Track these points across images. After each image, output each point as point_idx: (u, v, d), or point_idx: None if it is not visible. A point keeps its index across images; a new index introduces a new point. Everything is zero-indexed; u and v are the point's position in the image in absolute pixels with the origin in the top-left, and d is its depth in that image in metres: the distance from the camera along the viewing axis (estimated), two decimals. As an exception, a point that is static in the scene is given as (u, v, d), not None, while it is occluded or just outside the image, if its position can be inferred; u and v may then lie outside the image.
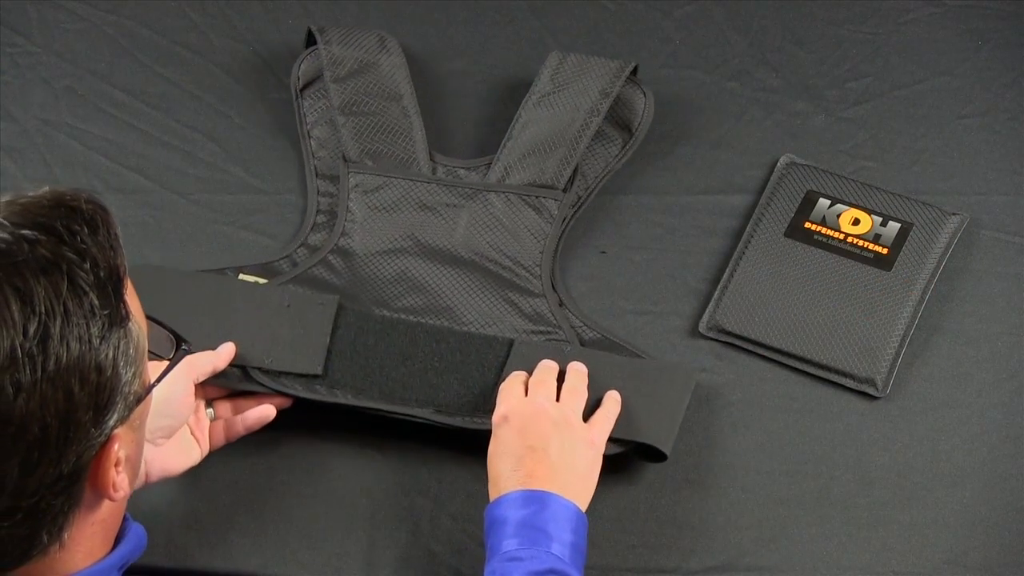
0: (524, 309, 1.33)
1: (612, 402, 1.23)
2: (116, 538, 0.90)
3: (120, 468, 0.82)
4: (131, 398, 0.81)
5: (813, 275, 1.35)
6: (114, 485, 0.82)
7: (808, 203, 1.39)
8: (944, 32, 1.54)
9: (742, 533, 1.23)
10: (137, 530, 0.91)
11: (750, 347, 1.32)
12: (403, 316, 1.32)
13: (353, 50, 1.47)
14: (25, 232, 0.76)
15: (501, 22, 1.57)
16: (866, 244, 1.36)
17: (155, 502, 1.22)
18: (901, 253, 1.35)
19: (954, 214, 1.38)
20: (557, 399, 1.21)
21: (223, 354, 1.23)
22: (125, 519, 0.91)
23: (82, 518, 0.83)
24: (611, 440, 1.22)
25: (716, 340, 1.33)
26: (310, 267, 1.34)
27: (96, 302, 0.77)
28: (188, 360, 1.17)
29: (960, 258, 1.37)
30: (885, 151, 1.46)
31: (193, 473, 1.20)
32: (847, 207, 1.38)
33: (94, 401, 0.77)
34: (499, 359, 1.28)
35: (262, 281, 1.33)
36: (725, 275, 1.36)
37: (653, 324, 1.35)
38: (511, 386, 1.21)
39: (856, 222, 1.38)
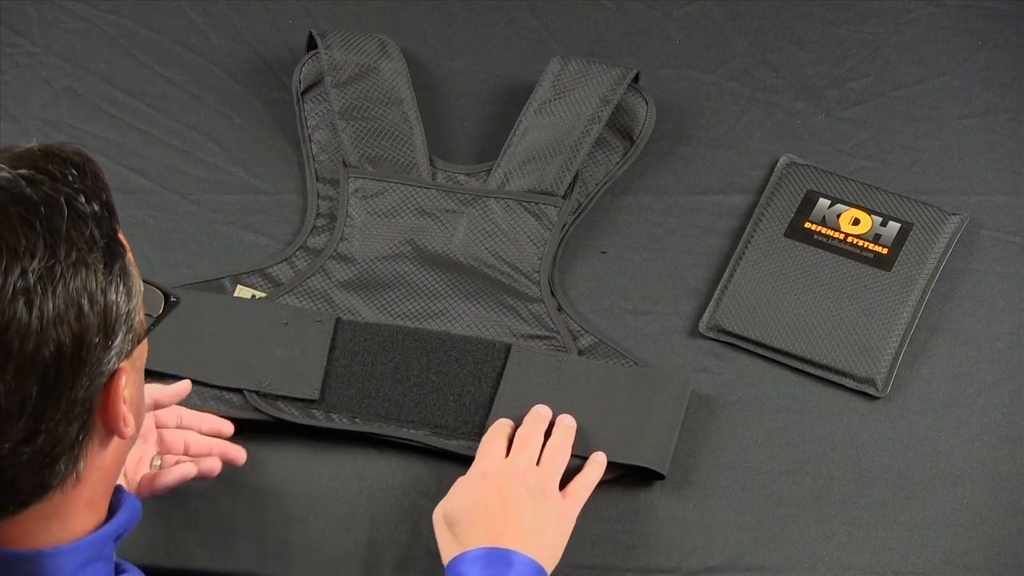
0: (522, 314, 1.33)
1: (594, 468, 1.21)
2: (112, 509, 0.92)
3: (127, 405, 0.85)
4: (131, 334, 0.85)
5: (813, 275, 1.35)
6: (124, 419, 0.85)
7: (808, 203, 1.39)
8: (944, 32, 1.54)
9: (742, 533, 1.23)
10: (132, 501, 0.94)
11: (750, 347, 1.32)
12: (401, 322, 1.32)
13: (354, 55, 1.47)
14: (22, 171, 0.80)
15: (501, 22, 1.57)
16: (866, 244, 1.36)
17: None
18: (901, 253, 1.35)
19: (954, 214, 1.38)
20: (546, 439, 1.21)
21: (171, 392, 1.18)
22: (120, 489, 0.93)
23: (93, 455, 0.86)
24: (609, 464, 1.23)
25: (716, 340, 1.33)
26: (309, 276, 1.34)
27: (96, 233, 0.81)
28: None
29: (960, 258, 1.37)
30: (885, 151, 1.46)
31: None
32: (847, 207, 1.38)
33: (103, 323, 0.81)
34: (495, 369, 1.28)
35: (259, 294, 1.33)
36: (725, 275, 1.36)
37: (653, 324, 1.35)
38: (494, 438, 1.21)
39: (856, 222, 1.38)
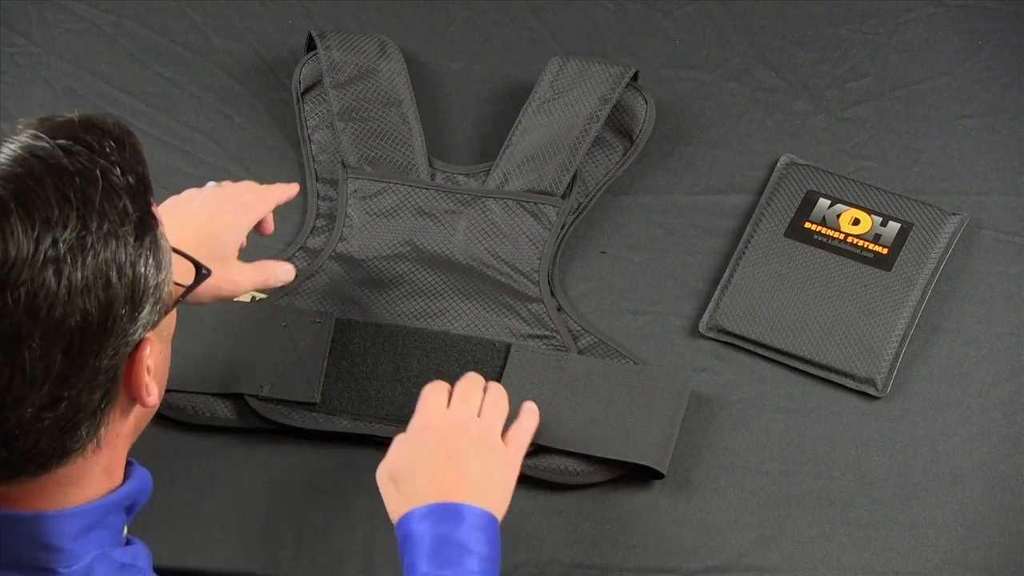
0: (522, 314, 1.33)
1: (528, 415, 1.21)
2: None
3: (150, 375, 0.87)
4: (160, 305, 0.86)
5: (813, 275, 1.35)
6: (146, 388, 0.87)
7: (808, 203, 1.39)
8: (944, 32, 1.54)
9: (742, 533, 1.23)
10: (142, 472, 0.95)
11: (750, 347, 1.32)
12: (400, 321, 1.32)
13: (353, 55, 1.47)
14: (61, 142, 0.82)
15: (501, 22, 1.57)
16: (866, 244, 1.36)
17: (155, 502, 1.21)
18: (901, 253, 1.35)
19: (954, 214, 1.38)
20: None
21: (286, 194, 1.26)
22: (131, 463, 0.94)
23: (114, 422, 0.87)
24: (609, 462, 1.24)
25: (716, 340, 1.33)
26: (308, 277, 1.34)
27: (129, 206, 0.83)
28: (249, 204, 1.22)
29: (960, 258, 1.37)
30: (885, 151, 1.46)
31: (193, 473, 1.21)
32: (847, 207, 1.38)
33: (129, 295, 0.82)
34: (495, 369, 1.28)
35: (260, 296, 1.33)
36: (725, 275, 1.36)
37: (653, 324, 1.35)
38: (433, 396, 1.18)
39: (856, 222, 1.38)
